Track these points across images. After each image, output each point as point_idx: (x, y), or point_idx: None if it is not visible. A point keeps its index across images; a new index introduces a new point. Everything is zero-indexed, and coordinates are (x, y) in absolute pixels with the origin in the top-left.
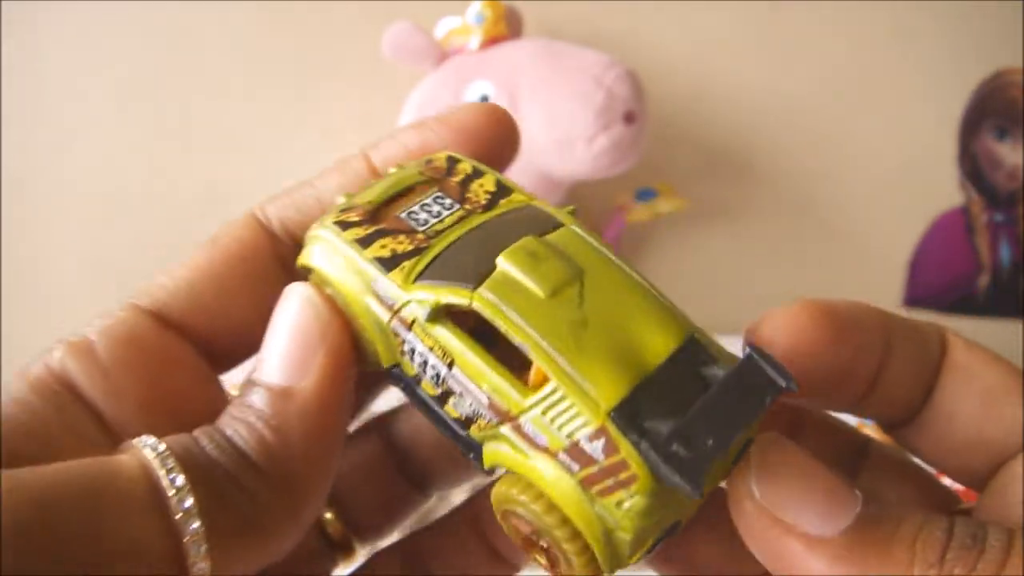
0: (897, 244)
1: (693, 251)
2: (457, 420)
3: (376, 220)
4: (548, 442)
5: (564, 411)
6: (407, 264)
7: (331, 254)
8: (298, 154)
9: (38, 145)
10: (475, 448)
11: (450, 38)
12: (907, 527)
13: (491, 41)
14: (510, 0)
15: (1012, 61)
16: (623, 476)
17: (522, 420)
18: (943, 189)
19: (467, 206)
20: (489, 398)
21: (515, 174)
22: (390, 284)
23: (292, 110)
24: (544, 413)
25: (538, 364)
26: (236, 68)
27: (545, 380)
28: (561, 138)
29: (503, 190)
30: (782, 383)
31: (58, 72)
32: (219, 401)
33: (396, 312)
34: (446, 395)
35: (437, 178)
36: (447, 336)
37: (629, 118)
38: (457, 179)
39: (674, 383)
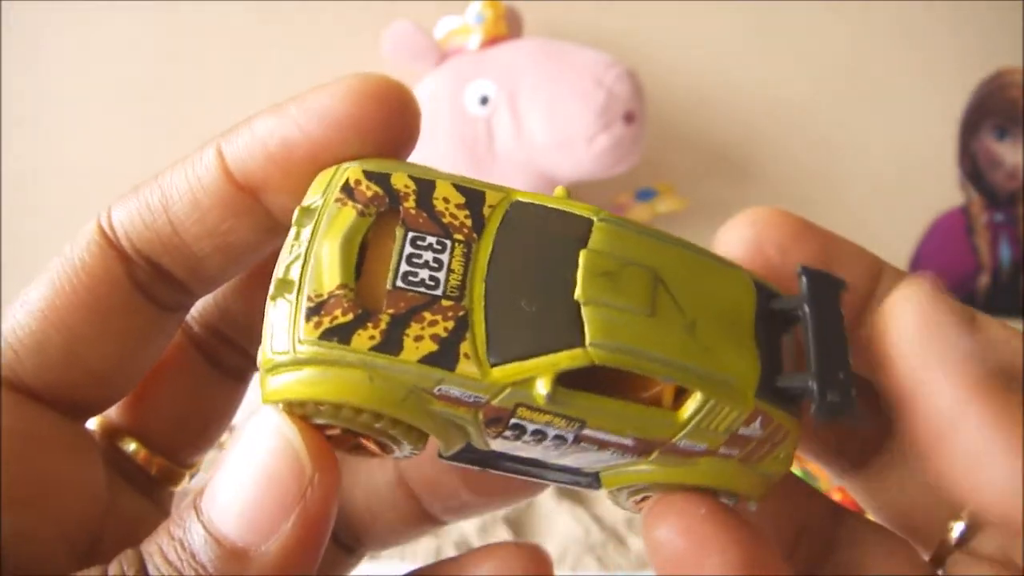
0: (897, 244)
1: None
2: (572, 468)
3: (373, 307)
4: (707, 446)
5: (718, 415)
6: (466, 349)
7: (345, 379)
8: None
9: (38, 145)
10: (590, 477)
11: (450, 38)
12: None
13: (491, 41)
14: (510, 0)
15: (1012, 61)
16: (779, 436)
17: (676, 441)
18: (943, 189)
19: (458, 236)
20: (635, 440)
21: (515, 174)
22: (465, 381)
23: None
24: (699, 425)
25: (684, 386)
26: (236, 68)
27: (685, 395)
28: (561, 138)
29: (472, 196)
30: (841, 283)
31: (58, 72)
32: (94, 477)
33: (486, 405)
34: (558, 454)
35: (386, 212)
36: (573, 403)
37: (629, 118)
38: (411, 204)
39: (771, 333)
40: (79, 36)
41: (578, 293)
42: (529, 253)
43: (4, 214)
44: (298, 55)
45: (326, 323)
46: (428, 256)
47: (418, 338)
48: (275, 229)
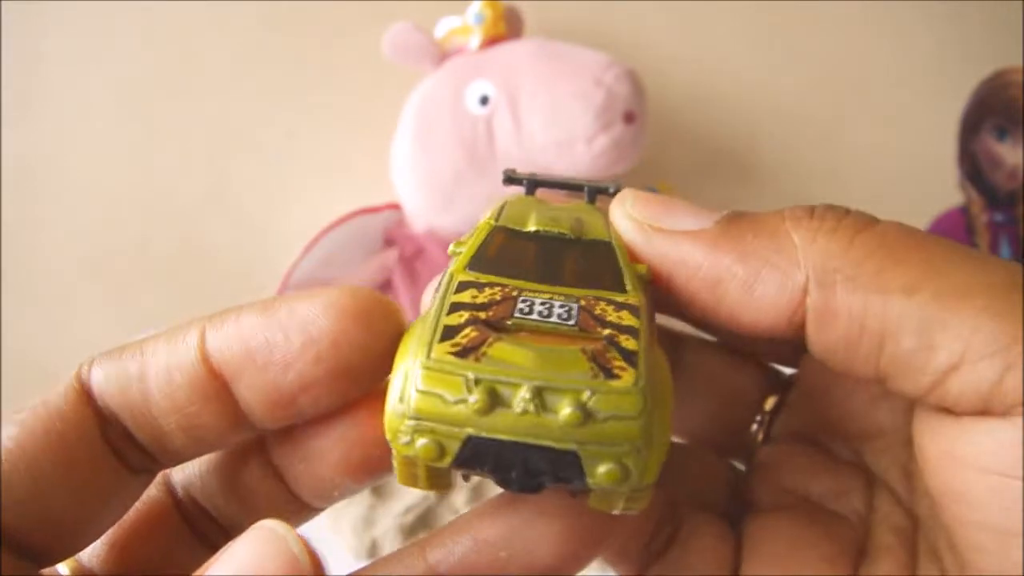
0: None
1: None
2: None
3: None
4: None
5: None
6: (627, 298)
7: (660, 370)
8: (298, 154)
9: (37, 145)
10: None
11: (450, 38)
12: (773, 212)
13: (491, 41)
14: (510, 0)
15: (1012, 61)
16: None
17: None
18: (943, 189)
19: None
20: None
21: None
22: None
23: (291, 110)
24: None
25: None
26: (235, 68)
27: None
28: (561, 138)
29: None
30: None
31: (57, 72)
32: None
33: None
34: None
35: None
36: None
37: (629, 118)
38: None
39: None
40: (78, 36)
41: (567, 233)
42: (532, 258)
43: (4, 214)
44: (297, 55)
45: (631, 374)
46: (541, 305)
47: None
48: (240, 424)
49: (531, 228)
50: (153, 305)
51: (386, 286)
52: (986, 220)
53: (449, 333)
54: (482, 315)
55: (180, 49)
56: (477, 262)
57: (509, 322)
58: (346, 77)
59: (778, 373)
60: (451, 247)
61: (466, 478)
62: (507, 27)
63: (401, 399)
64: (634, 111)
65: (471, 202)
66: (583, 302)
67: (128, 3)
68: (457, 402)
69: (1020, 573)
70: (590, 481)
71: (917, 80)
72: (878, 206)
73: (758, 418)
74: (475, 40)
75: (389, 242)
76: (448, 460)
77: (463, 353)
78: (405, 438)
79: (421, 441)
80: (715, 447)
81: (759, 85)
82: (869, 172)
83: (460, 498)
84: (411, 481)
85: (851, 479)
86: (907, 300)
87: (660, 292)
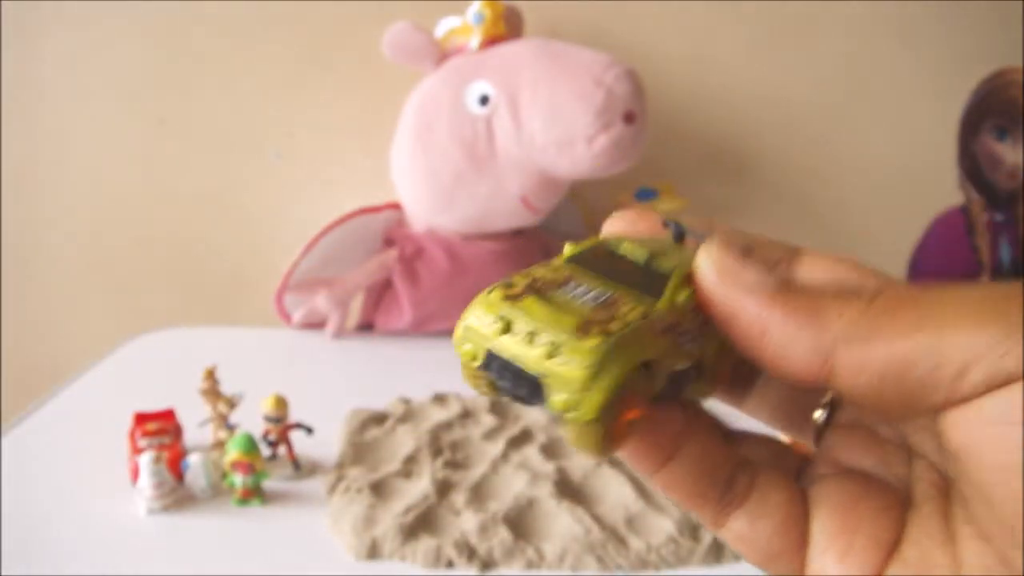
0: (897, 244)
1: None
2: (701, 360)
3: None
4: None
5: None
6: (646, 303)
7: (632, 344)
8: (298, 153)
9: (37, 146)
10: (699, 366)
11: (450, 37)
12: (818, 288)
13: (491, 41)
14: (510, 0)
15: (1012, 60)
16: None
17: None
18: (943, 189)
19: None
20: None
21: (515, 174)
22: (664, 318)
23: (292, 110)
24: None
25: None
26: (236, 68)
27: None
28: (561, 137)
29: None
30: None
31: (57, 73)
32: None
33: (674, 323)
34: (699, 347)
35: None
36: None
37: (629, 117)
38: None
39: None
40: (78, 36)
41: (644, 260)
42: (605, 267)
43: (4, 213)
44: (298, 55)
45: (595, 334)
46: (578, 288)
47: (630, 313)
48: None
49: (619, 248)
50: (153, 304)
51: (386, 285)
52: (986, 219)
53: (508, 286)
54: (538, 283)
55: (180, 49)
56: (571, 257)
57: (551, 293)
58: (346, 77)
59: None
60: (567, 245)
61: (494, 388)
62: (507, 27)
63: (463, 318)
64: (634, 111)
65: (471, 202)
66: (614, 295)
67: (128, 4)
68: (488, 325)
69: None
70: (548, 404)
71: (917, 80)
72: (878, 205)
73: (819, 411)
74: (475, 40)
75: (389, 242)
76: (477, 363)
77: (508, 299)
78: (459, 344)
79: (466, 346)
80: (790, 430)
81: (759, 85)
82: (869, 172)
83: (460, 498)
84: (466, 378)
85: (895, 454)
86: (915, 338)
87: (719, 326)
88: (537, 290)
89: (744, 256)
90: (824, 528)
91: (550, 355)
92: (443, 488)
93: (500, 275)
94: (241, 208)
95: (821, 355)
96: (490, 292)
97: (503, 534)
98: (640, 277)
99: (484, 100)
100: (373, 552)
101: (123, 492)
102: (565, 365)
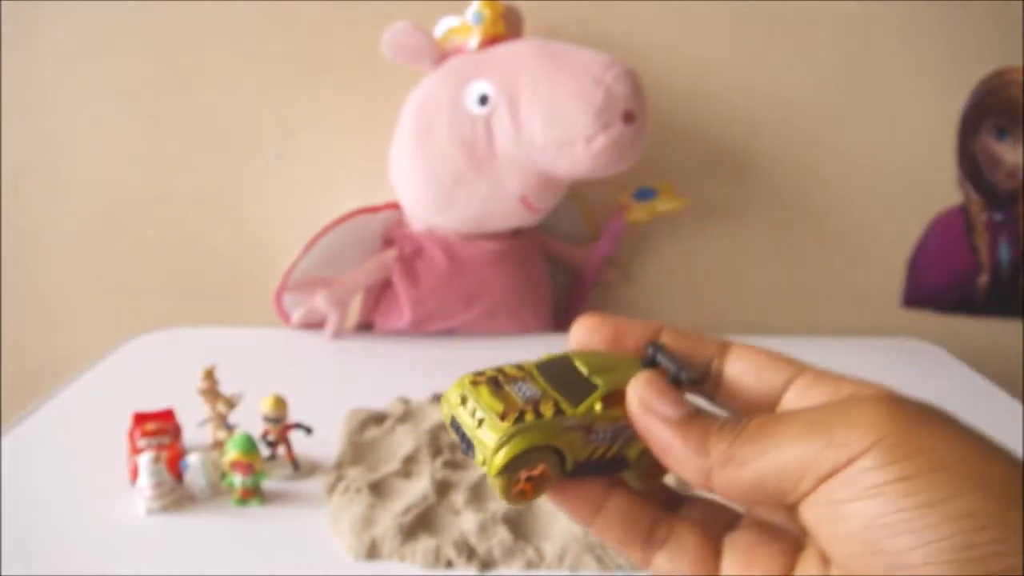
0: (896, 243)
1: (693, 250)
2: (616, 454)
3: (520, 410)
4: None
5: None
6: (564, 406)
7: (533, 433)
8: (297, 153)
9: (36, 146)
10: (623, 458)
11: (449, 37)
12: (709, 422)
13: (490, 41)
14: (509, 0)
15: (1011, 60)
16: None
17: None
18: (942, 188)
19: (525, 378)
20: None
21: (514, 173)
22: (573, 420)
23: (292, 109)
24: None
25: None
26: (236, 67)
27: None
28: (561, 137)
29: (519, 369)
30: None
31: (56, 73)
32: None
33: (585, 425)
34: (612, 445)
35: (488, 381)
36: (606, 413)
37: (628, 117)
38: (501, 377)
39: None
40: (77, 36)
41: (587, 375)
42: (556, 375)
43: (3, 213)
44: (298, 55)
45: (511, 419)
46: (523, 386)
47: (548, 408)
48: None
49: (575, 362)
50: (152, 304)
51: (385, 285)
52: (985, 219)
53: (479, 374)
54: (499, 376)
55: (180, 49)
56: (537, 363)
57: (504, 385)
58: (346, 77)
59: None
60: (544, 354)
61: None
62: (506, 27)
63: (448, 389)
64: (633, 111)
65: (470, 201)
66: (544, 396)
67: (128, 4)
68: (455, 397)
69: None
70: (474, 460)
71: (916, 80)
72: (877, 205)
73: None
74: (474, 40)
75: (388, 241)
76: (448, 421)
77: (472, 383)
78: (442, 405)
79: (444, 407)
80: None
81: (758, 85)
82: (868, 171)
83: (460, 498)
84: (447, 426)
85: (792, 511)
86: (766, 460)
87: (641, 437)
88: (495, 381)
89: (662, 393)
90: (732, 563)
91: (479, 426)
92: (442, 488)
93: (499, 274)
94: (240, 208)
95: (704, 474)
96: (466, 376)
97: (502, 534)
98: (575, 386)
99: (483, 100)
100: (372, 552)
101: (122, 492)
102: (484, 435)
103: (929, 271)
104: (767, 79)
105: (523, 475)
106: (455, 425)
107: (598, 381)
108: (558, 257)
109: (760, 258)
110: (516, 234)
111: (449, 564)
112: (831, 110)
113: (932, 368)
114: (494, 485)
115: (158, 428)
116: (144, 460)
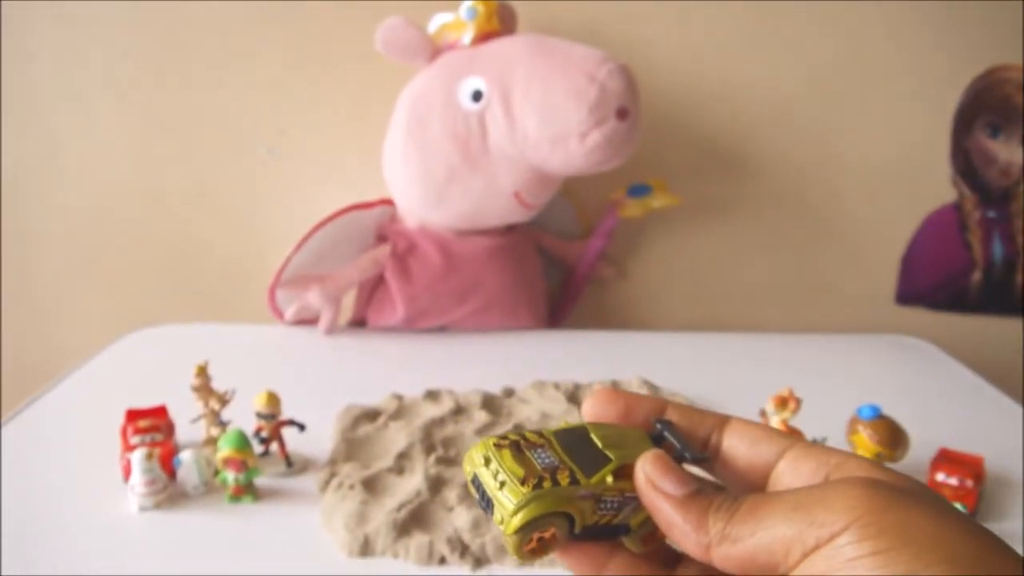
0: (890, 241)
1: (686, 247)
2: (621, 521)
3: (539, 476)
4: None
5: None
6: (579, 476)
7: (549, 500)
8: (290, 150)
9: (31, 146)
10: (626, 525)
11: (443, 33)
12: (706, 501)
13: (484, 36)
14: None
15: (1005, 58)
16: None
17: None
18: (936, 186)
19: (545, 445)
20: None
21: (508, 170)
22: (586, 490)
23: (285, 106)
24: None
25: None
26: (228, 65)
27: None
28: (554, 134)
29: (539, 435)
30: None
31: (49, 72)
32: None
33: (596, 494)
34: (618, 513)
35: (510, 445)
36: (616, 484)
37: (622, 114)
38: (522, 441)
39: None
40: (75, 35)
41: (601, 447)
42: (572, 445)
43: (4, 212)
44: (291, 51)
45: (530, 484)
46: (543, 453)
47: (562, 479)
48: None
49: (592, 434)
50: (146, 301)
51: (378, 281)
52: (979, 217)
53: (502, 438)
54: (521, 442)
55: (172, 47)
56: (556, 431)
57: (525, 451)
58: (338, 73)
59: None
60: (564, 421)
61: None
62: (500, 22)
63: (472, 448)
64: (627, 107)
65: (464, 197)
66: (562, 464)
67: (121, 3)
68: (479, 457)
69: None
70: (492, 518)
71: (910, 78)
72: (871, 202)
73: None
74: (468, 35)
75: (381, 238)
76: (470, 478)
77: (496, 446)
78: (465, 464)
79: (467, 466)
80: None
81: (753, 82)
82: (862, 169)
83: (453, 495)
84: (468, 484)
85: None
86: (757, 537)
87: (646, 509)
88: (517, 446)
89: (667, 472)
90: None
91: (500, 487)
92: (436, 484)
93: (492, 271)
94: (233, 205)
95: (703, 549)
96: (490, 439)
97: (495, 531)
98: (589, 458)
99: (477, 96)
100: (366, 549)
101: (115, 489)
102: (505, 497)
103: (923, 268)
104: (761, 77)
105: (536, 535)
106: (476, 483)
107: (611, 454)
108: (552, 253)
109: (753, 255)
110: (509, 230)
111: (442, 561)
112: (825, 108)
113: (925, 365)
114: (508, 542)
115: (151, 425)
116: (137, 457)
